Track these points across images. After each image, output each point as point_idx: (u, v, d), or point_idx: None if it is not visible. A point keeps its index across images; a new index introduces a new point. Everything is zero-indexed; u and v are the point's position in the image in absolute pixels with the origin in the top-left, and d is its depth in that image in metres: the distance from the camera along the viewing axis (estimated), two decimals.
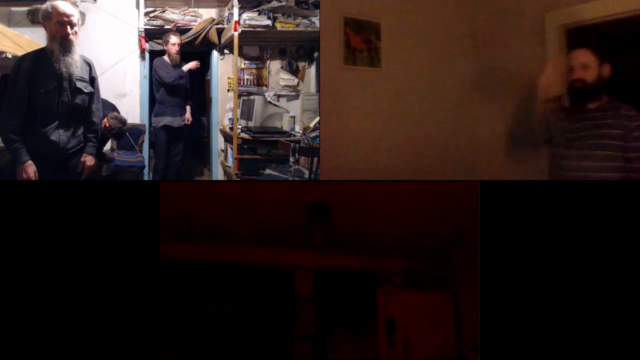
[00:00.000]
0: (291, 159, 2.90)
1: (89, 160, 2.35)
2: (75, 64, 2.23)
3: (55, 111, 2.21)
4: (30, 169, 2.17)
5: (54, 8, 2.19)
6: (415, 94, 2.63)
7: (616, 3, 2.22)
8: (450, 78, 2.75)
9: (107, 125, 3.22)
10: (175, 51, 4.24)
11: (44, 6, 2.22)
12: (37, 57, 2.21)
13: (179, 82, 4.20)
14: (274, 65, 4.86)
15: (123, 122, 3.35)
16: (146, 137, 4.54)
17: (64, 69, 2.20)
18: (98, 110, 2.42)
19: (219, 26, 4.55)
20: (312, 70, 4.83)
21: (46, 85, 2.17)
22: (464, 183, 1.64)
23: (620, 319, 1.42)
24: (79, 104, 2.28)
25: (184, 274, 1.88)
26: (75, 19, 2.21)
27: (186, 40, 4.45)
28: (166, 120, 4.25)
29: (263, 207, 1.72)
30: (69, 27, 2.19)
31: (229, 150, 4.32)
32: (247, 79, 4.82)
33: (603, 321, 1.43)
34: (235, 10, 4.10)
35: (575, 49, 2.01)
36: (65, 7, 2.20)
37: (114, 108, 3.47)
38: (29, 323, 1.45)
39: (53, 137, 2.21)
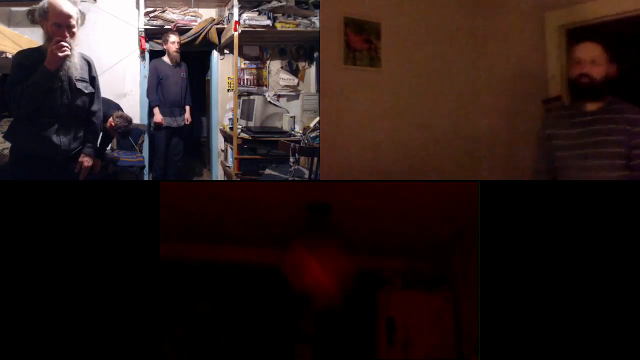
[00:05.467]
0: (291, 159, 2.90)
1: (86, 161, 2.29)
2: (74, 65, 2.15)
3: (55, 113, 2.15)
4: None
5: (51, 7, 2.07)
6: (415, 94, 2.63)
7: (616, 3, 2.22)
8: (450, 78, 2.75)
9: (112, 124, 3.23)
10: (174, 50, 4.26)
11: (41, 3, 2.09)
12: (35, 56, 2.14)
13: None
14: (274, 65, 4.87)
15: (129, 120, 3.35)
16: (146, 137, 4.54)
17: (62, 71, 2.12)
18: (99, 110, 2.36)
19: (219, 26, 4.55)
20: (312, 70, 4.83)
21: (44, 86, 2.09)
22: (464, 183, 1.64)
23: (621, 319, 1.42)
24: (80, 105, 2.22)
25: (184, 274, 1.88)
26: (74, 20, 2.11)
27: (186, 40, 4.46)
28: (165, 120, 4.27)
29: (263, 207, 1.72)
30: (66, 30, 2.08)
31: (229, 150, 4.32)
32: (247, 79, 4.82)
33: (603, 321, 1.42)
34: (235, 10, 4.10)
35: (584, 41, 1.90)
36: (63, 6, 2.08)
37: (118, 107, 3.47)
38: (29, 323, 1.45)
39: (54, 140, 2.16)
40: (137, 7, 4.48)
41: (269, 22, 4.23)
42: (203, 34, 4.52)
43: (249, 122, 4.29)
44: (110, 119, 3.22)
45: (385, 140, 2.53)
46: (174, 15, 4.52)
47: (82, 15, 4.25)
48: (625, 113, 1.83)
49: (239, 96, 4.52)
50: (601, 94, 1.86)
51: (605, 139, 1.83)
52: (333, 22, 2.40)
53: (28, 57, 2.16)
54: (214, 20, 4.59)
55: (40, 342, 1.45)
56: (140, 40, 4.54)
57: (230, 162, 4.25)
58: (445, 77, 2.73)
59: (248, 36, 4.33)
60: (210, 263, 1.88)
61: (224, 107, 4.80)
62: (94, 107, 2.33)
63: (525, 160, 2.23)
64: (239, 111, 4.42)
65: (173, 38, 4.27)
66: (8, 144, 2.33)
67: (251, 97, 4.50)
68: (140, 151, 4.39)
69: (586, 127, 1.88)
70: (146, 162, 4.37)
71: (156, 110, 4.25)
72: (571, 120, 1.93)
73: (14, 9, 4.21)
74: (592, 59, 1.83)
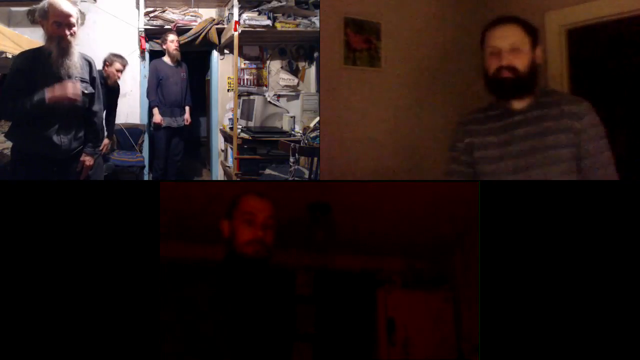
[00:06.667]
0: (291, 159, 2.90)
1: (87, 160, 2.32)
2: (74, 65, 2.16)
3: (55, 113, 2.15)
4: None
5: (51, 6, 2.08)
6: (415, 94, 2.63)
7: (616, 3, 2.22)
8: (450, 78, 2.75)
9: (108, 63, 3.47)
10: (174, 48, 4.26)
11: (41, 4, 2.11)
12: (35, 57, 2.15)
13: None
14: (274, 65, 4.87)
15: (119, 55, 3.59)
16: (146, 137, 4.54)
17: (63, 71, 2.13)
18: (99, 110, 2.38)
19: (219, 26, 4.56)
20: (312, 70, 4.83)
21: (45, 86, 2.09)
22: (464, 183, 1.64)
23: (621, 319, 1.42)
24: (80, 105, 2.22)
25: (184, 274, 1.88)
26: (73, 19, 2.12)
27: (186, 40, 4.46)
28: (165, 120, 4.27)
29: None
30: (66, 28, 2.10)
31: (229, 150, 4.32)
32: (247, 79, 4.82)
33: (603, 321, 1.43)
34: (235, 10, 4.10)
35: (499, 25, 1.53)
36: (63, 5, 2.10)
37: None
38: (29, 323, 1.46)
39: (55, 140, 2.17)
40: (137, 7, 4.48)
41: (269, 22, 4.23)
42: (203, 34, 4.52)
43: (249, 122, 4.29)
44: (105, 65, 3.46)
45: (385, 140, 2.53)
46: (174, 15, 4.53)
47: (82, 15, 4.28)
48: (563, 105, 1.47)
49: (239, 96, 4.52)
50: (530, 87, 1.49)
51: (544, 141, 1.47)
52: (333, 22, 2.39)
53: (27, 60, 2.16)
54: (214, 20, 4.59)
55: (41, 341, 1.45)
56: (140, 40, 4.54)
57: (230, 162, 4.25)
58: (445, 77, 2.73)
59: (248, 36, 4.33)
60: (210, 263, 1.88)
61: (224, 107, 4.80)
62: (95, 108, 2.33)
63: None
64: (239, 111, 4.42)
65: (171, 37, 4.28)
66: (9, 144, 2.34)
67: (251, 97, 4.50)
68: (140, 151, 4.39)
69: (516, 130, 1.51)
70: (146, 162, 4.37)
71: (155, 110, 4.25)
72: (496, 124, 1.57)
73: (14, 9, 4.21)
74: (512, 46, 1.47)
